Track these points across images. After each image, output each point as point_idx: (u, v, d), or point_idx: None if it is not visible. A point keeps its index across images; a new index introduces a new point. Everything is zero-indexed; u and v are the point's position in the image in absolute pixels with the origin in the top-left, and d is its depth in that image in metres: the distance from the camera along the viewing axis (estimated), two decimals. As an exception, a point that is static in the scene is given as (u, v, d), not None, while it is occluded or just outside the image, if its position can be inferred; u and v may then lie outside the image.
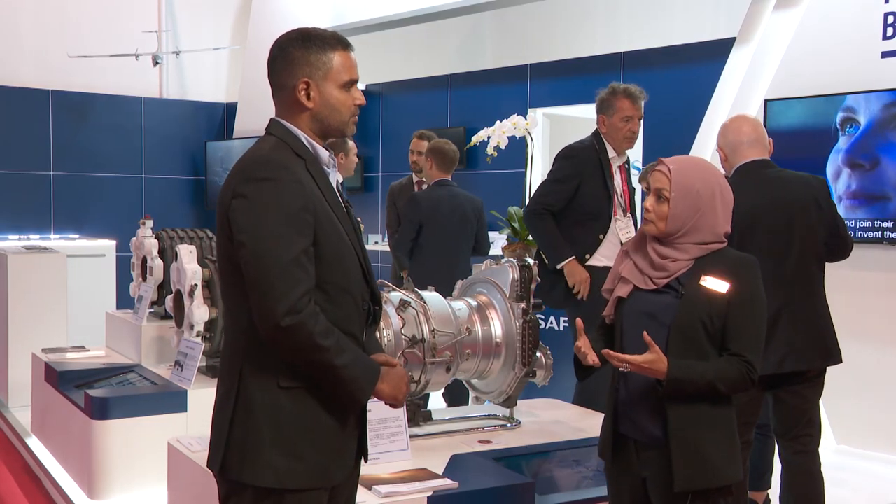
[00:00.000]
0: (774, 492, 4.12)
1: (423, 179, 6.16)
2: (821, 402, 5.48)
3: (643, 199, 2.86)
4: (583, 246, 4.59)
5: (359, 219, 2.51)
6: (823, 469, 3.79)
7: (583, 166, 4.62)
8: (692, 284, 2.58)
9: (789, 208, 3.63)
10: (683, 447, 2.54)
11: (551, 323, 5.91)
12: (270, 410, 2.20)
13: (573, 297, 4.57)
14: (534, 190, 5.93)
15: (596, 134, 4.73)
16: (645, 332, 2.49)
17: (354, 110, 2.34)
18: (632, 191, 4.78)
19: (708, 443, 2.56)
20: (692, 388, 2.52)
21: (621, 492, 2.72)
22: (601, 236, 4.59)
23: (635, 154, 7.36)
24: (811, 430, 3.72)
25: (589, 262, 4.57)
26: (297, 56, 2.27)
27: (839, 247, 3.77)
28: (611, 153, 4.68)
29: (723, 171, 3.79)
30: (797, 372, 3.67)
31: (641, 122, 4.76)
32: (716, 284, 2.56)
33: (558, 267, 4.55)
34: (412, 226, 5.66)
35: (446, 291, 4.07)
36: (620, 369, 2.55)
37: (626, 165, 4.81)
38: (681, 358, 2.53)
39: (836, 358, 3.72)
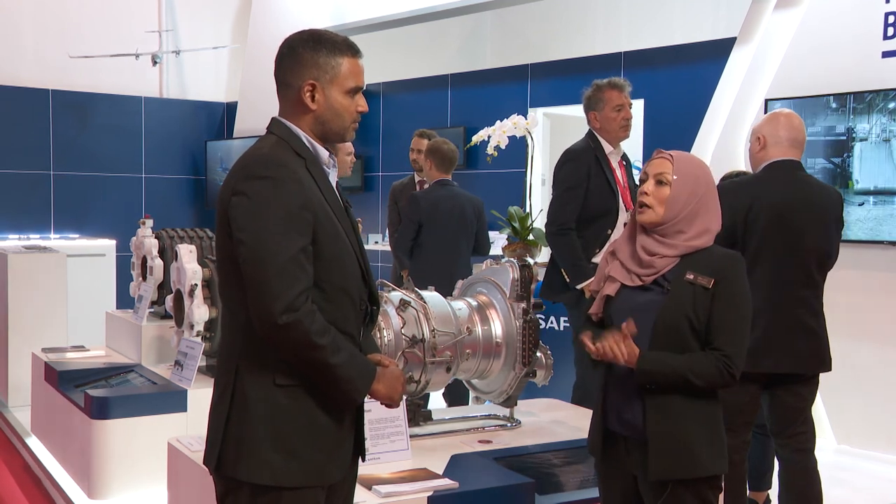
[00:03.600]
0: (774, 492, 4.12)
1: (425, 179, 6.17)
2: (821, 402, 5.50)
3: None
4: (594, 245, 4.59)
5: (359, 219, 2.51)
6: (824, 469, 3.80)
7: (585, 167, 4.61)
8: (678, 280, 2.59)
9: (815, 213, 3.67)
10: (659, 437, 2.55)
11: (551, 323, 5.90)
12: (266, 408, 2.20)
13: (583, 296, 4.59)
14: (534, 190, 5.90)
15: (590, 134, 4.72)
16: (624, 324, 2.53)
17: (356, 116, 2.34)
18: (632, 186, 4.77)
19: (687, 434, 2.56)
20: (663, 380, 2.54)
21: (612, 489, 2.73)
22: (609, 231, 4.59)
23: (636, 153, 7.38)
24: (805, 428, 3.74)
25: (595, 259, 4.58)
26: (306, 57, 2.27)
27: (833, 261, 3.81)
28: (607, 149, 4.67)
29: (751, 161, 3.82)
30: (795, 372, 3.68)
31: (632, 109, 4.74)
32: (701, 280, 2.57)
33: (579, 287, 4.54)
34: (412, 225, 5.66)
35: (446, 291, 4.07)
36: (592, 357, 2.59)
37: (625, 162, 4.80)
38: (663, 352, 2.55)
39: (828, 366, 3.75)
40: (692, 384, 2.54)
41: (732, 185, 3.78)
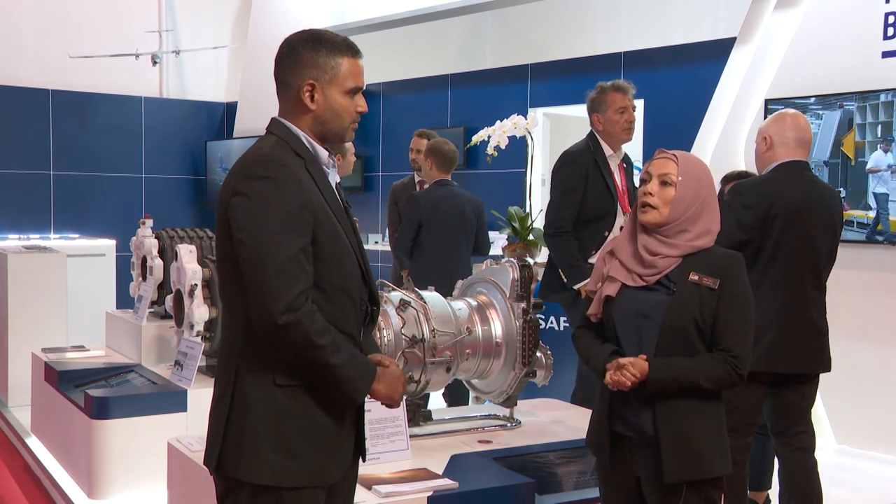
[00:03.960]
0: (774, 492, 4.12)
1: (424, 179, 6.16)
2: (821, 402, 5.50)
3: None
4: (590, 246, 4.59)
5: (356, 219, 2.51)
6: (824, 469, 3.81)
7: (583, 170, 4.58)
8: (682, 282, 2.58)
9: (824, 214, 3.69)
10: (672, 439, 2.55)
11: (551, 323, 5.90)
12: (266, 408, 2.20)
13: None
14: (534, 190, 5.90)
15: (591, 135, 4.69)
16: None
17: (356, 117, 2.34)
18: (631, 189, 4.76)
19: (697, 435, 2.57)
20: (675, 386, 2.53)
21: (614, 490, 2.72)
22: (606, 234, 4.59)
23: (636, 154, 7.36)
24: (806, 427, 3.76)
25: (592, 260, 4.57)
26: (305, 57, 2.27)
27: (833, 261, 3.84)
28: (608, 151, 4.64)
29: (757, 161, 3.83)
30: (803, 372, 3.71)
31: (635, 112, 4.73)
32: (707, 281, 2.56)
33: (576, 287, 4.53)
34: (412, 225, 5.66)
35: (446, 291, 4.07)
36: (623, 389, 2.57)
37: (625, 164, 4.79)
38: (670, 356, 2.55)
39: (829, 366, 3.77)
40: (702, 388, 2.54)
41: (751, 185, 3.76)
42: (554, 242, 4.61)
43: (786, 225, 3.59)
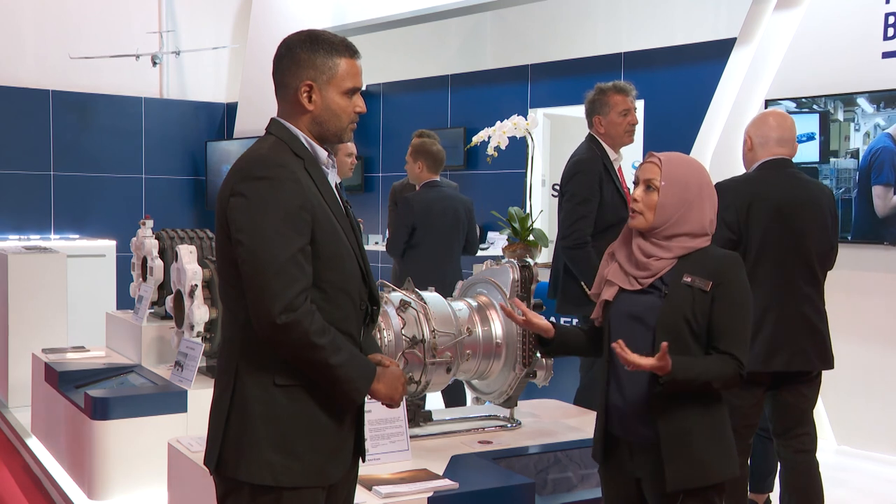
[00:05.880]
0: (774, 493, 4.12)
1: (414, 181, 6.09)
2: (821, 402, 5.51)
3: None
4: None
5: (360, 220, 2.50)
6: (824, 469, 3.80)
7: (597, 177, 4.43)
8: (675, 283, 2.57)
9: (813, 210, 3.69)
10: (674, 446, 2.53)
11: (551, 323, 5.90)
12: (266, 408, 2.20)
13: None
14: (534, 190, 5.87)
15: (591, 139, 4.56)
16: (664, 344, 2.42)
17: (354, 117, 2.34)
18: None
19: (699, 441, 2.55)
20: (690, 386, 2.51)
21: (615, 493, 2.72)
22: None
23: (636, 154, 7.36)
24: (808, 429, 3.75)
25: None
26: (303, 58, 2.27)
27: (832, 258, 3.83)
28: (612, 155, 4.54)
29: (744, 161, 3.85)
30: (802, 371, 3.70)
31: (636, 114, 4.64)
32: (699, 282, 2.55)
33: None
34: (405, 229, 5.62)
35: (439, 292, 4.06)
36: (627, 368, 2.50)
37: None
38: None
39: (831, 363, 3.76)
40: (711, 387, 2.52)
41: (731, 184, 3.77)
42: (575, 255, 4.42)
43: (769, 222, 3.59)
